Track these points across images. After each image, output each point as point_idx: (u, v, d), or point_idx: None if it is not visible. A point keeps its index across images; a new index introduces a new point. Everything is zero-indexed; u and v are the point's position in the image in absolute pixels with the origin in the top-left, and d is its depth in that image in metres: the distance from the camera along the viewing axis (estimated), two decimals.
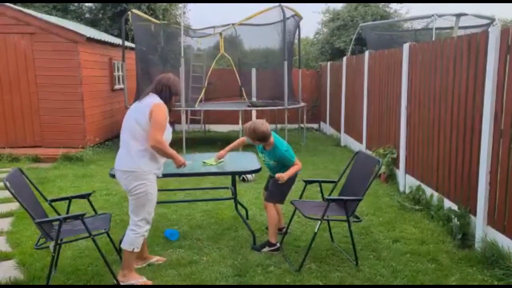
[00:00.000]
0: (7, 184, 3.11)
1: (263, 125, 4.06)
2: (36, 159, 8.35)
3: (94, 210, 3.98)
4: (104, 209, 5.36)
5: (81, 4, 16.64)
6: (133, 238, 3.44)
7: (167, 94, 3.49)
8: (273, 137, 4.20)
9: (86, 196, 3.94)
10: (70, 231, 3.52)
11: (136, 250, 3.46)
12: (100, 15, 15.30)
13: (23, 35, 8.67)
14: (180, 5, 15.57)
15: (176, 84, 3.55)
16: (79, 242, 4.22)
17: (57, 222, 3.32)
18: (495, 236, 3.91)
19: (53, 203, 3.79)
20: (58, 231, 3.29)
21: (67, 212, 3.87)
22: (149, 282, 3.54)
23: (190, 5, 17.47)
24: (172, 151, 3.47)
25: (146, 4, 14.52)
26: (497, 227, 3.92)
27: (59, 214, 3.69)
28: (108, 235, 3.66)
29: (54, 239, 3.28)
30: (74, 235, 3.51)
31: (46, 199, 3.77)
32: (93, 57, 9.58)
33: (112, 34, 13.43)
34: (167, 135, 3.46)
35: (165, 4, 14.97)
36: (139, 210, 3.42)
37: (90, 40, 9.19)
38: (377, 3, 15.29)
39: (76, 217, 3.38)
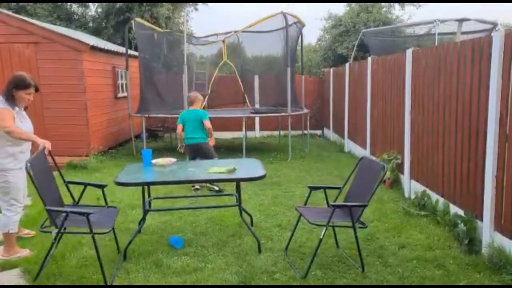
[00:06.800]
0: (28, 166, 3.39)
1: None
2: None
3: (105, 201, 4.27)
4: None
5: (84, 13, 16.79)
6: (6, 221, 4.01)
7: (8, 90, 3.94)
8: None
9: (101, 187, 4.23)
10: (74, 221, 3.65)
11: (11, 231, 4.04)
12: (104, 24, 15.41)
13: (27, 44, 8.72)
14: (183, 13, 15.67)
15: (17, 77, 3.98)
16: (84, 251, 4.24)
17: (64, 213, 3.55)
18: (502, 241, 3.88)
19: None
20: (62, 222, 3.49)
21: (80, 198, 4.18)
22: (28, 252, 4.12)
23: (193, 13, 17.52)
24: (28, 134, 4.00)
25: (149, 12, 14.62)
26: (504, 232, 3.89)
27: (74, 199, 4.16)
28: (114, 232, 3.91)
29: (58, 227, 3.48)
30: (77, 226, 3.66)
31: (64, 180, 4.15)
32: (96, 65, 9.63)
33: (115, 43, 13.50)
34: (27, 127, 4.10)
35: (167, 12, 15.06)
36: (4, 197, 4.02)
37: (93, 48, 9.24)
38: (379, 9, 15.32)
39: (82, 214, 3.49)
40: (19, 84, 3.96)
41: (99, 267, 3.54)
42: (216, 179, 4.62)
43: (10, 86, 3.94)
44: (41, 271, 3.66)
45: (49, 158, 4.04)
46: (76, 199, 4.21)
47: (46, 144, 3.96)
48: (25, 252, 4.14)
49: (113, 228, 3.69)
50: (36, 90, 4.10)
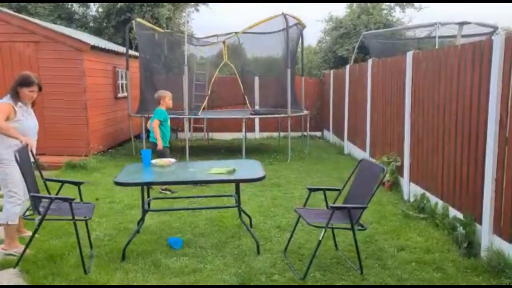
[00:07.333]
0: (17, 155, 3.64)
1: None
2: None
3: (80, 198, 4.37)
4: (107, 217, 5.37)
5: (85, 13, 16.80)
6: (5, 213, 4.12)
7: (13, 87, 4.21)
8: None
9: (78, 184, 4.38)
10: (55, 210, 3.85)
11: (11, 222, 4.11)
12: (105, 24, 15.40)
13: (28, 43, 8.72)
14: (184, 13, 15.69)
15: (22, 76, 4.30)
16: (83, 251, 4.22)
17: (48, 200, 3.77)
18: (501, 244, 3.88)
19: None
20: (46, 208, 3.72)
21: (57, 194, 4.27)
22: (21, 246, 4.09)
23: (194, 14, 17.53)
24: (13, 130, 4.06)
25: (150, 13, 14.64)
26: (503, 236, 3.88)
27: (49, 193, 4.25)
28: (86, 224, 4.07)
29: (41, 214, 3.75)
30: (58, 215, 3.91)
31: (42, 177, 4.34)
32: (97, 65, 9.63)
33: (116, 43, 13.51)
34: (30, 123, 4.30)
35: (168, 12, 15.07)
36: (4, 189, 4.15)
37: (94, 48, 9.24)
38: (380, 11, 15.33)
39: (66, 200, 3.74)
40: (23, 82, 4.25)
41: (79, 255, 3.79)
42: (216, 180, 4.61)
43: (16, 83, 4.25)
44: (22, 255, 3.87)
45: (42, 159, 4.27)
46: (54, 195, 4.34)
47: (29, 141, 4.12)
48: (22, 248, 4.14)
49: (86, 222, 4.01)
50: (40, 89, 4.35)
